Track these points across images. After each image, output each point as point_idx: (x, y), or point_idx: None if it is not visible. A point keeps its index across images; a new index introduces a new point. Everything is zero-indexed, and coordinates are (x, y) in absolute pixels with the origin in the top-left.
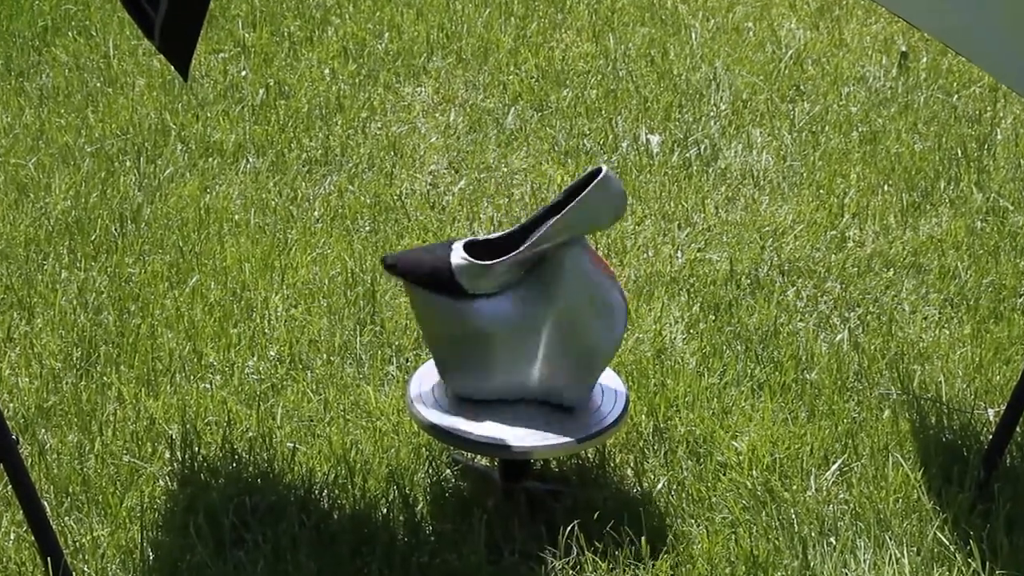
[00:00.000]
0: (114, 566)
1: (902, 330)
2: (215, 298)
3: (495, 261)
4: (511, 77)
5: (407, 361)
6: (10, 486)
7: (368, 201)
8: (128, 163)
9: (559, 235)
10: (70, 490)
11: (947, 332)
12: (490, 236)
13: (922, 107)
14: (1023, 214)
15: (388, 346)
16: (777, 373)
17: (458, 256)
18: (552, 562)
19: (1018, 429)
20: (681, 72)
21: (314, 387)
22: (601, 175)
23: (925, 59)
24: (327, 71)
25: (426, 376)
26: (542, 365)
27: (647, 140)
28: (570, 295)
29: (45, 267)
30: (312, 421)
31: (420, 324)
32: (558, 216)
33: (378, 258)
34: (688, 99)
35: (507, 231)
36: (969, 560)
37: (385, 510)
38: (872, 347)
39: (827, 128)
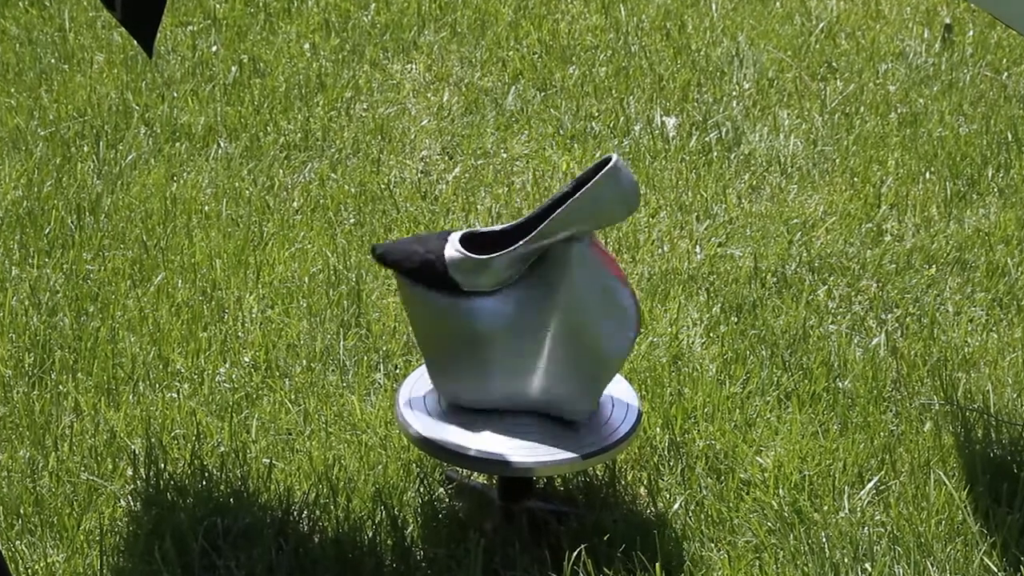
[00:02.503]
0: None
1: (945, 333)
2: (183, 298)
3: (493, 255)
4: (511, 53)
5: (396, 368)
6: None
7: (352, 190)
8: (86, 148)
9: (562, 229)
10: (21, 511)
11: (995, 336)
12: (490, 229)
13: (968, 86)
14: None
15: (375, 351)
16: (806, 381)
17: (453, 248)
18: None
19: None
20: (700, 47)
21: (293, 397)
22: (610, 164)
23: (971, 32)
24: (307, 46)
25: (417, 385)
26: (544, 373)
27: (662, 123)
28: (576, 296)
29: None
30: (290, 434)
31: (410, 323)
32: (561, 209)
33: (364, 253)
34: (708, 77)
35: (509, 224)
36: None
37: (371, 533)
38: (912, 352)
39: (862, 109)
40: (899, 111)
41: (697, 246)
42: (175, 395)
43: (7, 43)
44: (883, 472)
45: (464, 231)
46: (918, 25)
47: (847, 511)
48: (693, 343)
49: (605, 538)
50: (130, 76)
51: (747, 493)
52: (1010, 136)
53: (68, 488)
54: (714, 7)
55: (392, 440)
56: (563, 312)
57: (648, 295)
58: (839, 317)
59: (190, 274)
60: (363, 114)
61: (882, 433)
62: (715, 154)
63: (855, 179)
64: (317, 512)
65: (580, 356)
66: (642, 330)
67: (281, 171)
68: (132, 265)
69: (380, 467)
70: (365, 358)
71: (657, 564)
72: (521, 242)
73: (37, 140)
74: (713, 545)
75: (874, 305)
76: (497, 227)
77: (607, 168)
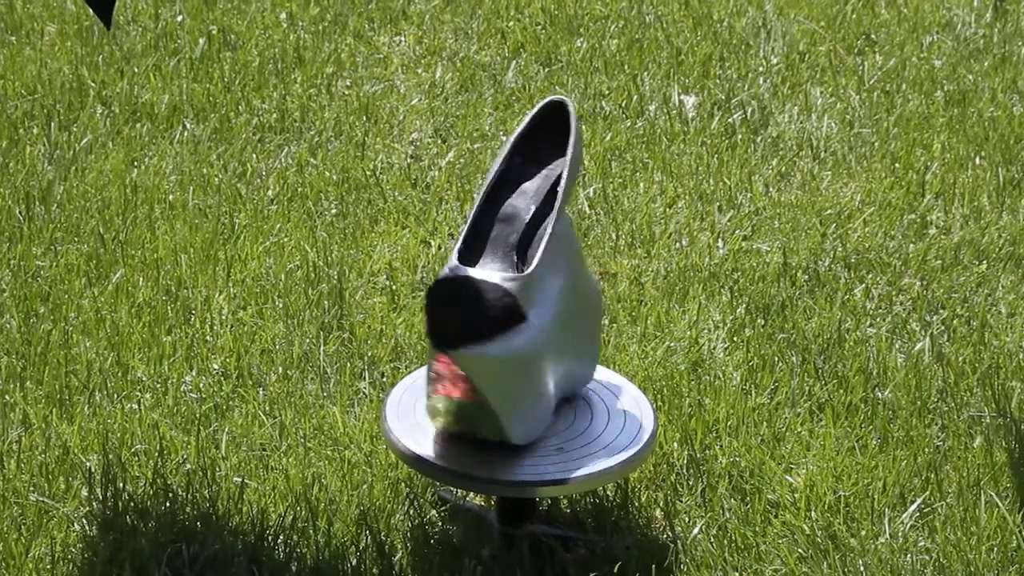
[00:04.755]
0: None
1: (997, 338)
2: (144, 298)
3: (535, 264)
4: (512, 24)
5: (382, 376)
6: None
7: (334, 177)
8: (36, 130)
9: (568, 195)
10: None
11: None
12: (458, 245)
13: (1022, 60)
14: None
15: (359, 357)
16: (841, 391)
17: (500, 278)
18: None
19: None
20: (722, 17)
21: (267, 408)
22: (571, 108)
23: None
24: (283, 16)
25: (406, 395)
26: (571, 354)
27: (680, 102)
28: (573, 257)
29: None
30: (265, 450)
31: (491, 391)
32: (567, 174)
33: (346, 247)
34: (731, 51)
35: (465, 227)
36: None
37: (355, 560)
38: (960, 358)
39: (904, 86)
40: (945, 88)
41: (719, 240)
42: (135, 406)
43: None
44: (928, 493)
45: (456, 257)
46: None
47: (887, 536)
48: (715, 348)
49: (617, 566)
50: (85, 49)
51: (775, 516)
52: None
53: (15, 510)
54: None
55: (378, 457)
56: (570, 281)
57: (665, 294)
58: (878, 319)
59: (152, 271)
60: (346, 92)
61: (927, 449)
62: (739, 137)
63: (896, 165)
64: (295, 537)
65: (584, 317)
66: (658, 334)
67: (254, 156)
68: (88, 261)
69: (365, 487)
70: (348, 365)
71: None
72: (550, 226)
73: None
74: (737, 574)
75: (917, 306)
76: (463, 230)
77: (574, 116)
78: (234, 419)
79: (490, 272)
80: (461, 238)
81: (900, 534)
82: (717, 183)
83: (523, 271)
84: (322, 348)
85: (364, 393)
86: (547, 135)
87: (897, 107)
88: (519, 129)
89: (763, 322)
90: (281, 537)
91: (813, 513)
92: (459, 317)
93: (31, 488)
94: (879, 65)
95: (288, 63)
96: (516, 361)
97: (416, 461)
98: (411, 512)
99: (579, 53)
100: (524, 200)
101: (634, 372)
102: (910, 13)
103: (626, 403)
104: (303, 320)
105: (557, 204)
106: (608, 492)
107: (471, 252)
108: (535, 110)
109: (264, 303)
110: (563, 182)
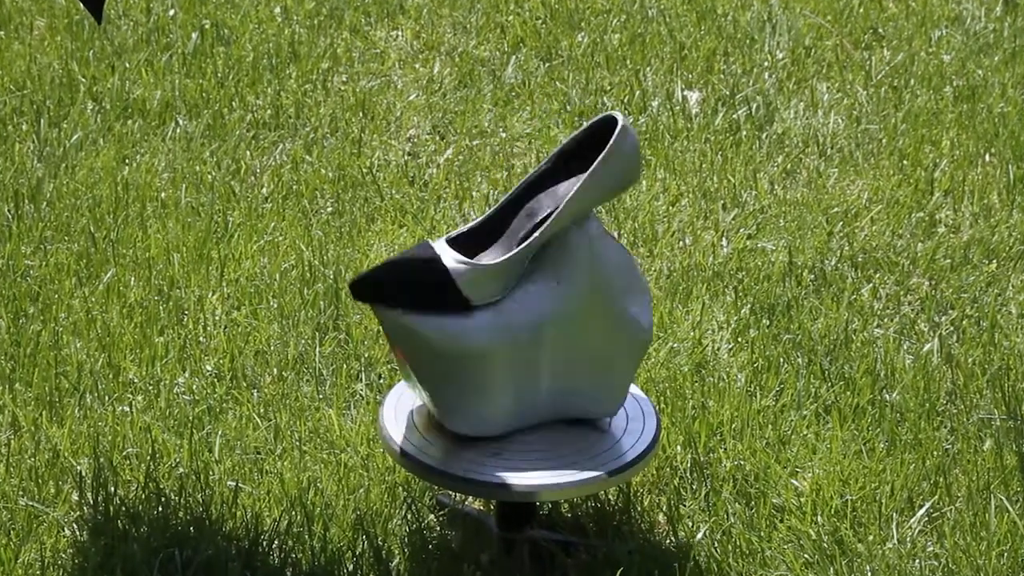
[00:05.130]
0: None
1: (1008, 338)
2: (136, 298)
3: (508, 257)
4: (511, 18)
5: (379, 378)
6: None
7: (330, 175)
8: (25, 126)
9: (580, 211)
10: None
11: None
12: (469, 225)
13: None
14: None
15: (355, 359)
16: (848, 393)
17: (453, 260)
18: None
19: None
20: (727, 11)
21: (261, 410)
22: (620, 127)
23: None
24: (278, 10)
25: (404, 397)
26: (571, 372)
27: (684, 97)
28: (585, 278)
29: None
30: (259, 454)
31: (414, 366)
32: (577, 188)
33: (343, 246)
34: (736, 45)
35: (488, 212)
36: None
37: (352, 566)
38: (970, 360)
39: (912, 82)
40: (955, 84)
41: (724, 238)
42: (127, 408)
43: None
44: (936, 497)
45: (447, 237)
46: None
47: (895, 541)
48: (719, 349)
49: (619, 572)
50: (75, 44)
51: (781, 521)
52: None
53: (4, 515)
54: None
55: (375, 460)
56: (597, 305)
57: (668, 294)
58: (886, 320)
59: (144, 270)
60: (342, 88)
61: (935, 452)
62: (744, 133)
63: (904, 162)
64: (289, 542)
65: (606, 348)
66: (661, 334)
67: (248, 153)
68: (78, 260)
69: (361, 491)
70: (344, 366)
71: None
72: (532, 237)
73: None
74: None
75: (926, 306)
76: (475, 220)
77: (618, 133)
78: (228, 422)
79: (465, 255)
80: (477, 221)
81: (908, 539)
82: (721, 180)
83: None
84: (318, 349)
85: (361, 395)
86: (600, 149)
87: (905, 103)
88: (573, 135)
89: (768, 322)
90: (276, 542)
91: (819, 518)
92: (386, 277)
93: (20, 492)
94: (887, 60)
95: (283, 58)
96: (444, 344)
97: (414, 464)
98: (408, 517)
99: (580, 48)
100: (551, 200)
101: (636, 374)
102: (918, 7)
103: (629, 406)
104: (298, 321)
105: (560, 208)
106: (610, 496)
107: (489, 238)
108: (591, 122)
109: (258, 303)
110: (573, 189)
